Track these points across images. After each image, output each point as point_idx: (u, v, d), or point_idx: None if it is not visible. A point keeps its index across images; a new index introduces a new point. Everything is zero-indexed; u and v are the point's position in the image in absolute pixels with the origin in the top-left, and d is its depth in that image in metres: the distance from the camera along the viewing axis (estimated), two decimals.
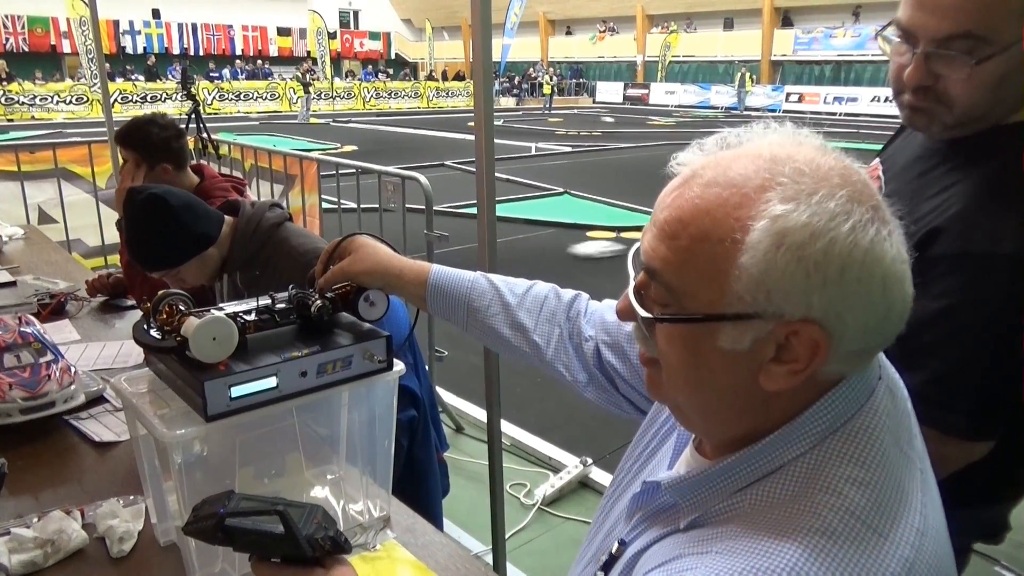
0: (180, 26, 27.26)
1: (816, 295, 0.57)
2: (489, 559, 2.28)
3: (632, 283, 0.68)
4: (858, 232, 0.57)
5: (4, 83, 19.50)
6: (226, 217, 1.81)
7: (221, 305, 1.07)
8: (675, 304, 0.63)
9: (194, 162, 2.61)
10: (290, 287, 1.12)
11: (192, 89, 7.59)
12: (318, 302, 1.07)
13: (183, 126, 5.63)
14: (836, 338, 0.59)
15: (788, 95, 24.82)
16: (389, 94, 26.58)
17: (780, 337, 0.60)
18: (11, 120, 18.73)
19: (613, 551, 0.75)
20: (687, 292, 0.62)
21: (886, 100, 21.61)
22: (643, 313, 0.65)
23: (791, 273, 0.57)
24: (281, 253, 1.76)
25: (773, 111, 23.73)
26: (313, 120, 20.55)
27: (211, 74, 24.37)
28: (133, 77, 22.37)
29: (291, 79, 24.40)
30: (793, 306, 0.58)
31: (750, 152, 0.63)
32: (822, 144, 0.63)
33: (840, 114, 22.15)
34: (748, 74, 25.08)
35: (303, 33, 28.70)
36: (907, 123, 1.11)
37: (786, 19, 26.44)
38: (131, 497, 1.28)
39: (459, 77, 29.82)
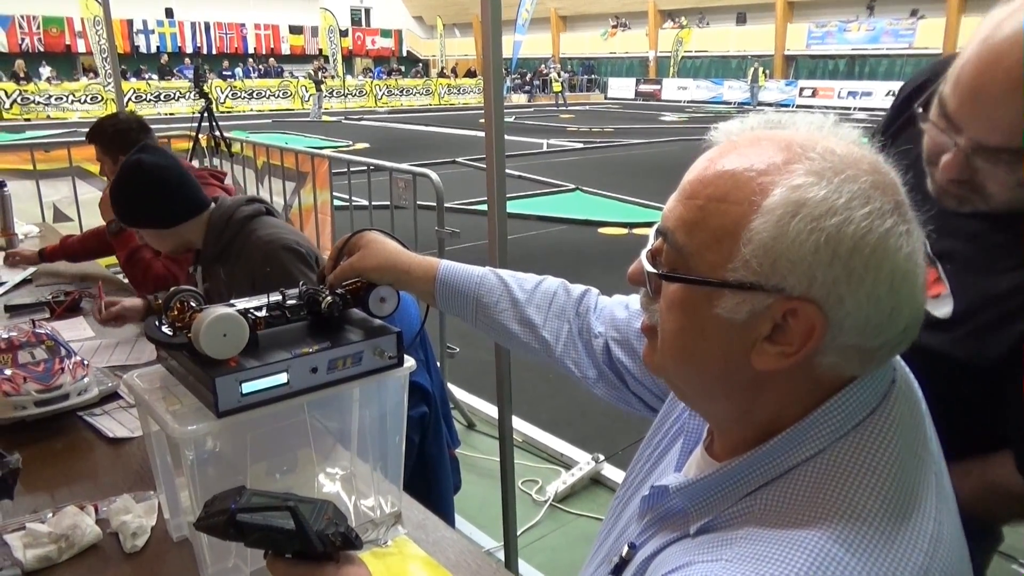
0: (193, 25, 27.37)
1: (821, 271, 0.57)
2: (501, 555, 2.28)
3: (648, 247, 0.68)
4: (875, 219, 0.57)
5: (22, 82, 19.68)
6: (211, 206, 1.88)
7: (232, 301, 1.08)
8: (683, 266, 0.63)
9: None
10: (300, 283, 1.12)
11: (205, 87, 7.62)
12: (328, 298, 1.07)
13: (198, 124, 5.70)
14: (834, 324, 0.58)
15: (802, 90, 24.65)
16: (401, 91, 26.63)
17: (777, 315, 0.59)
18: (28, 119, 18.90)
19: (623, 554, 0.74)
20: (695, 252, 0.62)
21: None
22: (649, 268, 0.66)
23: (801, 243, 0.56)
24: (248, 243, 1.79)
25: (786, 106, 23.58)
26: (325, 118, 20.61)
27: (224, 72, 24.48)
28: (146, 76, 22.50)
29: (303, 77, 24.48)
30: (797, 279, 0.57)
31: (788, 132, 0.64)
32: (859, 138, 0.64)
33: (854, 108, 21.93)
34: (761, 69, 24.92)
35: (315, 31, 28.75)
36: (935, 197, 0.97)
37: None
38: (144, 492, 1.29)
39: (470, 74, 29.78)
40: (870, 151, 0.62)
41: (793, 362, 0.60)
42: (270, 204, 1.96)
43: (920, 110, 0.92)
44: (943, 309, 0.99)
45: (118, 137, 2.46)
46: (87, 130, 2.62)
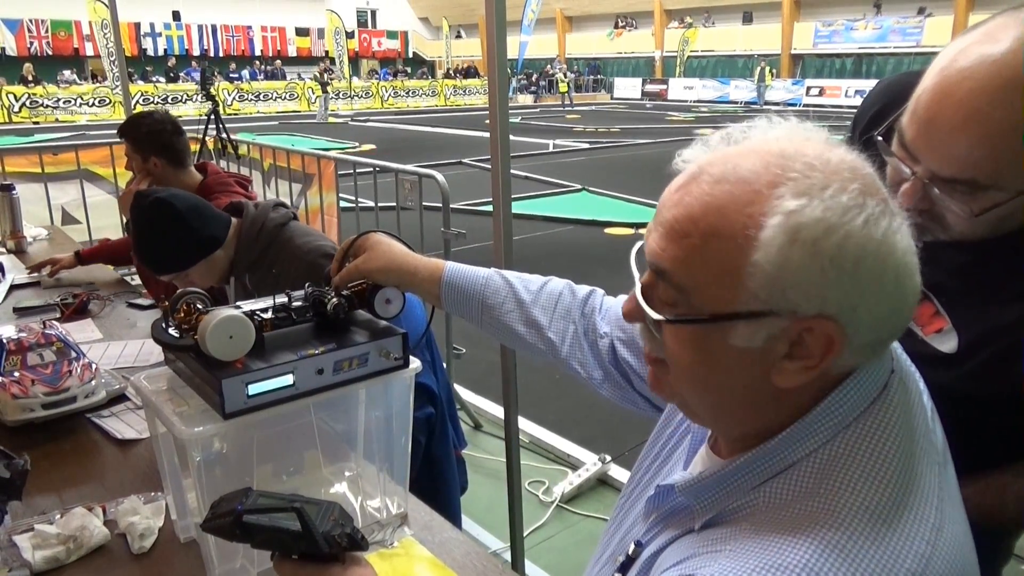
0: (200, 28, 27.49)
1: (831, 290, 0.56)
2: (507, 556, 2.28)
3: (638, 283, 0.67)
4: (871, 225, 0.56)
5: (31, 85, 19.78)
6: (232, 219, 1.81)
7: (238, 303, 1.08)
8: (684, 304, 0.61)
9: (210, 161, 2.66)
10: (306, 285, 1.13)
11: (211, 90, 7.65)
12: (334, 300, 1.07)
13: (204, 126, 5.73)
14: (850, 332, 0.58)
15: (808, 89, 24.56)
16: (407, 92, 26.67)
17: (793, 334, 0.59)
18: (36, 122, 19.02)
19: (630, 552, 0.75)
20: (698, 290, 0.60)
21: None
22: (653, 315, 0.64)
23: (806, 268, 0.56)
24: (286, 253, 1.75)
25: (793, 105, 23.51)
26: (332, 119, 20.66)
27: (231, 75, 24.56)
28: (154, 79, 22.59)
29: (310, 79, 24.54)
30: (808, 302, 0.57)
31: (758, 147, 0.61)
32: (828, 137, 0.63)
33: None
34: (768, 68, 24.85)
35: (321, 33, 28.82)
36: None
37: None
38: (152, 494, 1.30)
39: (471, 73, 29.65)
40: (844, 152, 0.61)
41: (816, 373, 0.60)
42: (290, 207, 1.93)
43: (880, 138, 0.91)
44: (948, 344, 0.98)
45: (151, 136, 2.43)
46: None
